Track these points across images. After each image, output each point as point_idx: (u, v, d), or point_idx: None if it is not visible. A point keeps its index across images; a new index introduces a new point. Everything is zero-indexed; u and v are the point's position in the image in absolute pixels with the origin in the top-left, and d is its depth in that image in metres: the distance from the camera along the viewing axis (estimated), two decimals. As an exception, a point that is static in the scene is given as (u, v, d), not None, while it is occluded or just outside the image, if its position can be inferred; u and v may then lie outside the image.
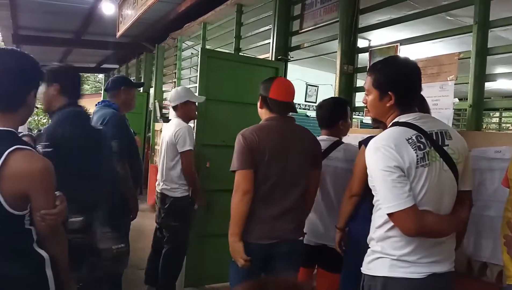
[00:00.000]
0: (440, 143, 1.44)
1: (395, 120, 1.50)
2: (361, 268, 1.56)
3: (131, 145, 2.73)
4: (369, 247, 1.56)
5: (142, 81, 7.83)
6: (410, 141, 1.40)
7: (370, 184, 1.49)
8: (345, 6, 3.25)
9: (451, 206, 1.47)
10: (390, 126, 1.50)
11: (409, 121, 1.45)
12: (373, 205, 1.87)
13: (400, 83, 1.51)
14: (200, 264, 3.30)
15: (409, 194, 1.36)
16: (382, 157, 1.39)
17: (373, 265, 1.51)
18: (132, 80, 3.17)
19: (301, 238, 2.10)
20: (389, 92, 1.50)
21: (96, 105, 2.84)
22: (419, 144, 1.40)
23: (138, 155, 2.97)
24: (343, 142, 2.43)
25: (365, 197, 1.95)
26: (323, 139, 2.42)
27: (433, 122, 1.50)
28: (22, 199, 1.28)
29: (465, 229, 1.66)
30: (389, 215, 1.40)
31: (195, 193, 3.19)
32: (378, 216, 1.51)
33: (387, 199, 1.39)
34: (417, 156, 1.39)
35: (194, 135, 3.23)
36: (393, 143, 1.39)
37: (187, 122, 3.19)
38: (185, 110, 3.17)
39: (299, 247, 2.11)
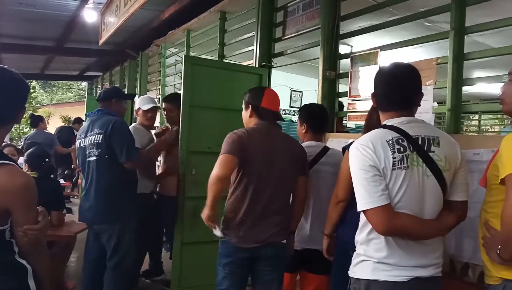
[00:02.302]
0: (425, 149, 1.45)
1: (383, 123, 1.54)
2: (348, 271, 1.58)
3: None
4: (355, 250, 1.58)
5: (125, 89, 7.79)
6: (390, 143, 1.43)
7: None
8: (326, 13, 3.30)
9: (436, 212, 1.48)
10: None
11: (394, 125, 1.49)
12: None
13: (374, 86, 1.62)
14: (188, 272, 3.28)
15: (382, 193, 1.40)
16: (360, 157, 1.44)
17: (358, 268, 1.53)
18: (124, 92, 3.23)
19: (284, 241, 2.12)
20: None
21: (88, 114, 2.91)
22: (398, 146, 1.43)
23: None
24: (329, 148, 2.48)
25: (353, 203, 1.98)
26: (313, 145, 2.46)
27: (423, 128, 1.51)
28: (3, 214, 1.27)
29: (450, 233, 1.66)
30: (364, 213, 1.44)
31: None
32: (361, 219, 1.54)
33: (361, 196, 1.43)
34: (394, 158, 1.41)
35: (180, 142, 3.22)
36: (372, 144, 1.44)
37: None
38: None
39: (283, 250, 2.13)
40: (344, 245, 1.99)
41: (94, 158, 2.71)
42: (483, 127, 11.02)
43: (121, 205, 2.73)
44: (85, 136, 2.79)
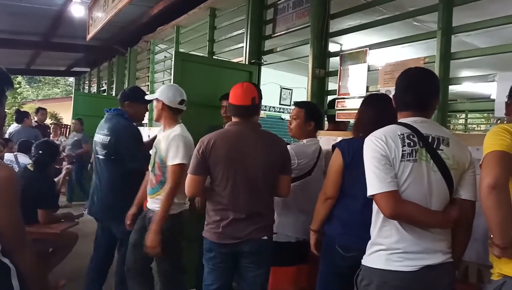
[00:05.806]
0: (434, 146, 1.55)
1: (399, 120, 1.64)
2: (361, 260, 1.64)
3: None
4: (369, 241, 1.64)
5: (113, 85, 7.67)
6: (401, 137, 1.54)
7: None
8: (316, 11, 3.31)
9: (441, 207, 1.55)
10: None
11: (408, 122, 1.59)
12: (346, 207, 1.97)
13: (395, 88, 1.71)
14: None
15: (392, 180, 1.50)
16: (373, 147, 1.56)
17: (371, 257, 1.60)
18: (143, 94, 3.01)
19: (265, 237, 2.12)
20: None
21: (107, 110, 2.93)
22: (409, 141, 1.54)
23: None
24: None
25: (340, 200, 2.00)
26: (316, 141, 2.50)
27: (435, 129, 1.60)
28: None
29: (466, 235, 1.65)
30: (373, 197, 1.52)
31: None
32: (374, 210, 1.61)
33: (372, 182, 1.53)
34: (403, 150, 1.52)
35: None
36: (384, 136, 1.56)
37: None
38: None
39: (265, 247, 2.12)
40: (331, 241, 2.00)
41: (102, 157, 2.85)
42: (469, 125, 11.20)
43: (124, 205, 2.74)
44: (98, 132, 2.92)
